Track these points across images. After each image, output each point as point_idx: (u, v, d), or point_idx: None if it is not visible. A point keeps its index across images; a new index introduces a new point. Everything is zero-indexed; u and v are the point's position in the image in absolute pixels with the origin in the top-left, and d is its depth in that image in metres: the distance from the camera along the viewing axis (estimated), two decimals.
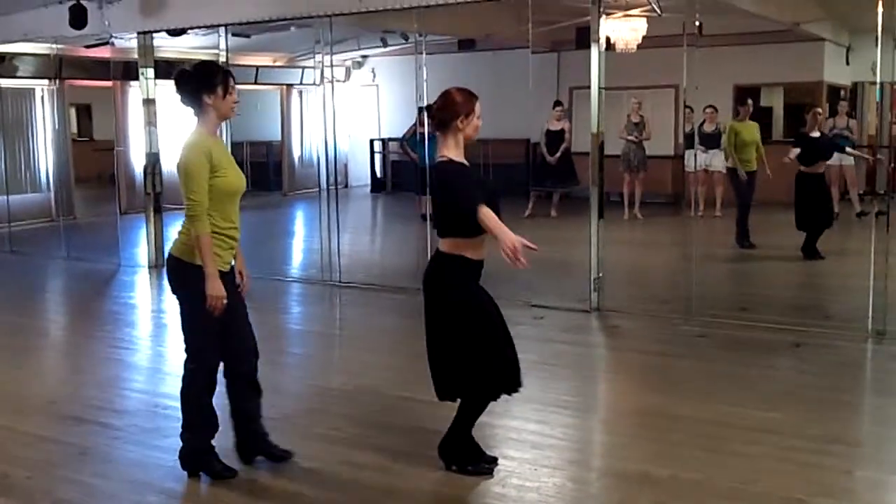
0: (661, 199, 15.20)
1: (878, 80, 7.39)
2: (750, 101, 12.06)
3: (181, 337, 4.38)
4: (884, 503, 4.10)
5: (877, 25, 7.14)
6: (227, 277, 4.31)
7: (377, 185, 19.11)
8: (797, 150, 10.32)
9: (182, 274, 4.27)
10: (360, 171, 19.33)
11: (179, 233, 4.31)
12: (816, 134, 10.45)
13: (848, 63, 16.91)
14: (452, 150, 4.23)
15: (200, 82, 4.21)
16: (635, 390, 6.02)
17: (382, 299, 8.84)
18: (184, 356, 4.39)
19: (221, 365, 4.43)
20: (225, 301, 4.18)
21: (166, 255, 4.39)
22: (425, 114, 11.11)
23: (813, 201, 10.24)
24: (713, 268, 9.68)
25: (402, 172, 17.72)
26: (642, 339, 7.20)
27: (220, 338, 4.32)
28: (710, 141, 13.55)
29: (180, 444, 4.43)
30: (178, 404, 5.55)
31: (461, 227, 4.13)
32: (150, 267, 10.74)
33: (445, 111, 4.26)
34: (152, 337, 7.93)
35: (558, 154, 14.21)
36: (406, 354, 6.85)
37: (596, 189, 8.04)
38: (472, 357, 4.18)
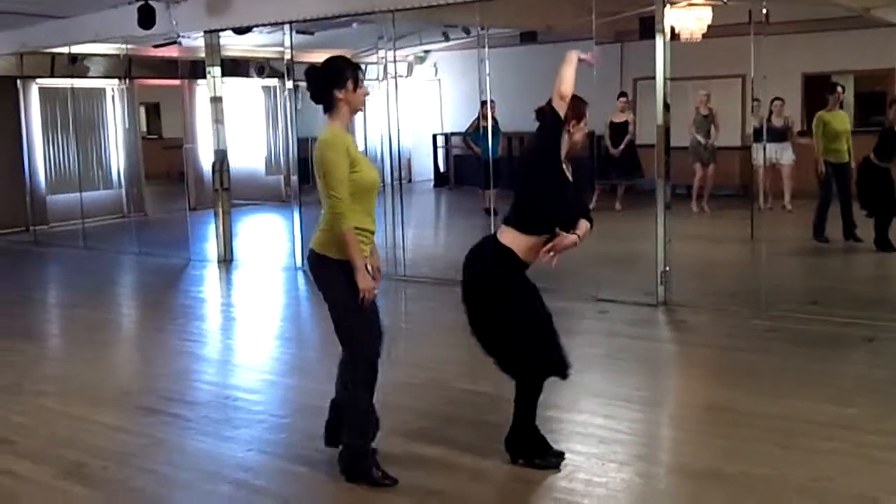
0: (728, 192, 14.97)
1: None
2: (840, 90, 11.68)
3: (336, 335, 4.32)
4: None
5: None
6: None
7: (440, 179, 19.15)
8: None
9: (323, 269, 4.26)
10: (423, 165, 19.39)
11: (319, 228, 4.29)
12: None
13: None
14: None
15: (331, 78, 4.21)
16: (703, 385, 5.95)
17: (446, 293, 8.83)
18: (340, 353, 4.35)
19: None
20: (376, 292, 4.22)
21: (307, 250, 4.38)
22: (487, 107, 11.17)
23: (878, 189, 9.99)
24: (783, 261, 9.51)
25: (465, 167, 17.72)
26: (710, 334, 7.11)
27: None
28: (778, 135, 13.25)
29: (344, 448, 4.36)
30: (248, 396, 5.71)
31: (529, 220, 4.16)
32: (219, 262, 10.94)
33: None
34: (222, 330, 8.08)
35: (622, 146, 14.08)
36: (470, 348, 6.83)
37: (662, 182, 7.95)
38: (511, 334, 4.20)
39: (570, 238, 4.20)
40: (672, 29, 10.22)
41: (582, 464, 4.42)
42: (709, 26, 12.73)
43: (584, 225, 4.31)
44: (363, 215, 4.25)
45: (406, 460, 4.52)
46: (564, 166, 4.29)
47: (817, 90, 16.54)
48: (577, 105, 4.25)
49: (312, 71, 4.28)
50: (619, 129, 14.18)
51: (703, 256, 10.47)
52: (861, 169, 10.25)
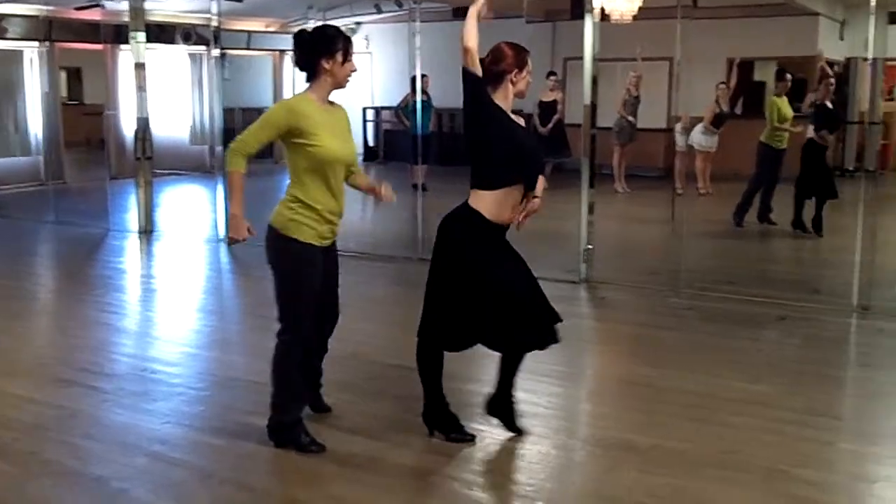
0: (653, 173, 15.22)
1: (870, 55, 7.39)
2: (789, 76, 11.92)
3: (275, 308, 4.27)
4: (865, 474, 4.15)
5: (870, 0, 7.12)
6: (327, 253, 4.29)
7: (370, 154, 19.08)
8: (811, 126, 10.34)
9: (275, 245, 4.21)
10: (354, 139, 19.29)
11: (280, 201, 4.24)
12: (830, 105, 10.37)
13: (842, 38, 16.89)
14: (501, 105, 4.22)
15: (321, 45, 4.10)
16: (622, 361, 6.06)
17: (374, 268, 8.86)
18: (276, 326, 4.28)
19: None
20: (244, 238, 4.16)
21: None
22: (419, 81, 11.15)
23: (822, 171, 10.23)
24: (703, 242, 9.72)
25: (396, 141, 17.71)
26: (630, 311, 7.25)
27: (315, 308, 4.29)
28: (721, 121, 13.46)
29: (269, 415, 4.35)
30: (166, 368, 5.64)
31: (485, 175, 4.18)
32: (140, 232, 10.73)
33: (498, 65, 4.21)
34: (141, 302, 7.95)
35: (550, 125, 14.19)
36: (397, 323, 6.90)
37: (587, 161, 8.04)
38: (474, 302, 4.15)
39: (536, 201, 4.26)
40: (602, 10, 10.28)
41: (500, 437, 4.48)
42: (640, 8, 12.87)
43: (540, 183, 4.33)
44: (323, 193, 4.15)
45: (327, 433, 4.51)
46: (512, 116, 4.24)
47: (742, 75, 16.92)
48: (518, 54, 4.24)
49: (303, 35, 4.17)
50: (547, 109, 14.29)
51: (625, 236, 10.66)
52: (806, 151, 10.37)
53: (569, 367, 5.73)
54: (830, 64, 16.48)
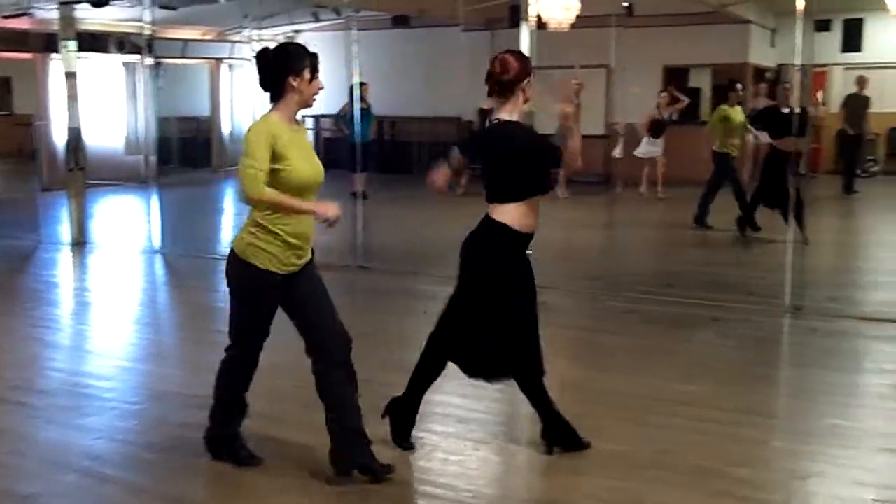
0: (591, 179, 15.35)
1: (798, 62, 7.55)
2: (739, 86, 12.04)
3: (226, 324, 4.22)
4: (798, 471, 4.21)
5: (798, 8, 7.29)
6: (301, 276, 4.08)
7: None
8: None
9: (233, 268, 4.06)
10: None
11: (244, 225, 4.03)
12: (786, 110, 10.37)
13: (773, 45, 17.27)
14: (507, 115, 4.20)
15: (287, 63, 3.87)
16: (561, 365, 6.05)
17: None
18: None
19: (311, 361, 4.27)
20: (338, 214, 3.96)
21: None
22: (358, 90, 11.06)
23: (783, 178, 10.29)
24: (642, 246, 9.84)
25: (336, 150, 17.60)
26: (570, 315, 7.29)
27: (303, 334, 4.20)
28: (661, 129, 13.62)
29: (208, 425, 4.28)
30: (99, 383, 5.52)
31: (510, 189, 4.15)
32: (72, 244, 10.50)
33: (508, 74, 4.17)
34: (74, 315, 7.77)
35: None
36: None
37: None
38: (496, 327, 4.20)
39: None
40: (540, 18, 10.36)
41: (439, 443, 4.48)
42: (577, 16, 13.00)
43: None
44: (290, 217, 3.90)
45: (264, 443, 4.45)
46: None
47: (678, 82, 17.18)
48: (524, 62, 4.23)
49: (267, 53, 3.94)
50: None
51: (567, 241, 10.72)
52: (772, 160, 10.32)
53: None
54: (763, 71, 16.89)
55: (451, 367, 5.46)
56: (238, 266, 4.03)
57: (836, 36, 18.04)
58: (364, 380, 5.36)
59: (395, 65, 16.23)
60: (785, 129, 10.12)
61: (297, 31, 18.38)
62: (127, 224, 12.66)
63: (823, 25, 17.75)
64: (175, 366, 6.08)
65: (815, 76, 17.80)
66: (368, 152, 12.50)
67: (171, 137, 17.31)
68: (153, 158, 10.51)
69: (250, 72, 10.40)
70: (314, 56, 3.96)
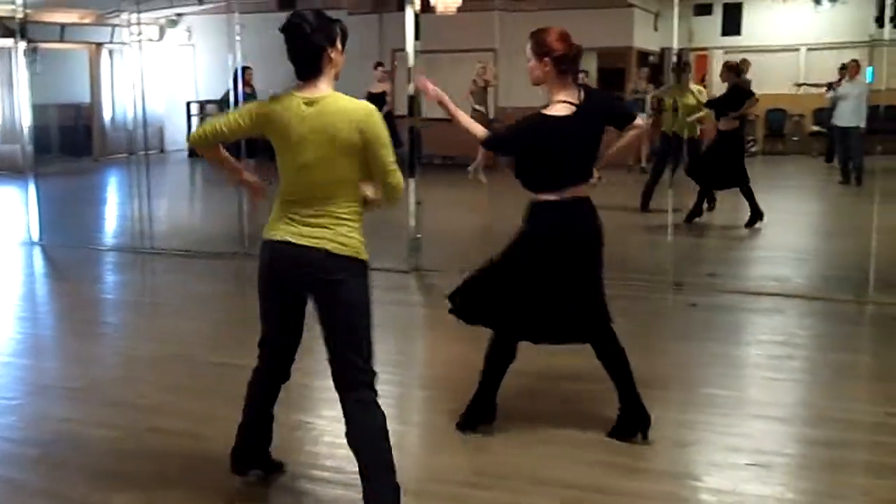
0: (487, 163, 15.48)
1: (675, 45, 7.78)
2: (689, 67, 12.07)
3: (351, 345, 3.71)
4: (677, 440, 4.34)
5: None
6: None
7: (195, 149, 18.54)
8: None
9: (358, 277, 3.53)
10: (178, 135, 18.70)
11: (334, 224, 3.43)
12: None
13: (656, 29, 17.71)
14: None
15: (327, 33, 3.38)
16: (452, 346, 6.13)
17: (198, 266, 8.63)
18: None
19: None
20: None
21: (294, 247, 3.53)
22: (241, 73, 10.82)
23: (739, 157, 10.33)
24: None
25: None
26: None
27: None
28: None
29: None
30: None
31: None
32: None
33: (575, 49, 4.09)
34: None
35: None
36: (220, 320, 6.76)
37: (410, 151, 8.12)
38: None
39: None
40: (427, 1, 10.37)
41: (326, 427, 4.47)
42: (464, 0, 13.08)
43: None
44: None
45: (145, 434, 4.37)
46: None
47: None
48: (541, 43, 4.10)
49: (302, 22, 3.36)
50: (376, 100, 14.22)
51: (457, 224, 10.80)
52: (724, 140, 10.35)
53: (399, 354, 5.77)
54: (646, 54, 17.31)
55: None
56: (363, 270, 3.51)
57: (716, 20, 18.63)
58: (248, 365, 5.31)
59: (280, 48, 15.96)
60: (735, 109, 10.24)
61: (179, 15, 17.96)
62: (4, 215, 12.16)
63: (704, 10, 18.35)
64: (55, 359, 5.90)
65: (698, 59, 18.39)
66: (255, 138, 12.31)
67: (50, 125, 16.71)
68: (30, 148, 10.09)
69: (132, 56, 10.07)
70: (342, 24, 3.51)
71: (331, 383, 5.03)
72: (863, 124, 12.42)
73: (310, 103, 3.35)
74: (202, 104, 18.32)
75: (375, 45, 16.06)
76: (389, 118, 14.42)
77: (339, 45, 3.44)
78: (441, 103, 4.26)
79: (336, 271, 3.41)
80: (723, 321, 6.52)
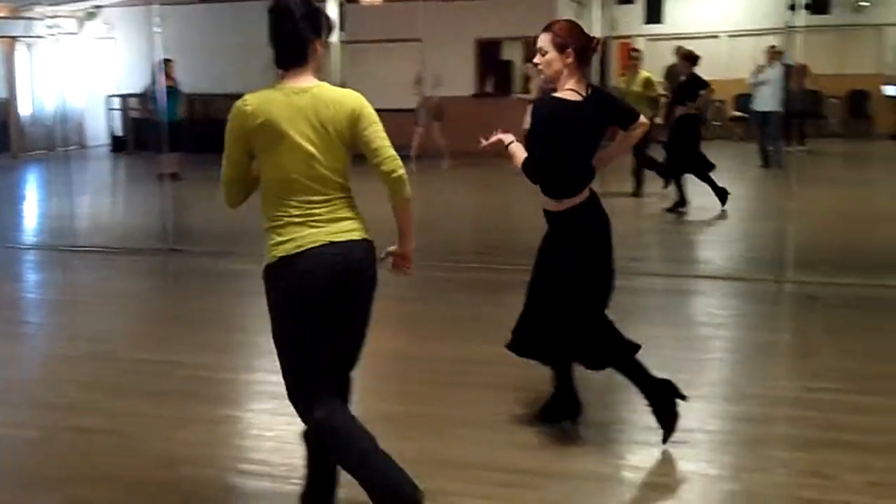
0: (405, 152, 15.47)
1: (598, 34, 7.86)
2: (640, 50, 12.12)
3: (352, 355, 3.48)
4: (608, 420, 4.39)
5: None
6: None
7: (118, 144, 18.17)
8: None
9: (373, 265, 3.33)
10: (98, 130, 18.30)
11: (347, 210, 3.25)
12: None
13: (580, 18, 17.86)
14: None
15: (316, 22, 3.16)
16: (382, 336, 6.05)
17: (122, 262, 8.47)
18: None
19: None
20: None
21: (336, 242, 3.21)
22: (157, 67, 10.61)
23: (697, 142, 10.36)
24: (462, 216, 10.02)
25: (145, 130, 16.97)
26: (389, 287, 7.23)
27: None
28: None
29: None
30: None
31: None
32: None
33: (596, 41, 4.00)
34: None
35: None
36: (143, 317, 6.66)
37: None
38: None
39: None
40: None
41: (254, 420, 4.45)
42: None
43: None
44: None
45: (66, 433, 4.28)
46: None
47: (489, 56, 17.55)
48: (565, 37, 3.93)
49: (291, 8, 3.12)
50: None
51: (388, 214, 10.77)
52: (684, 125, 10.32)
53: None
54: None
55: (266, 346, 5.47)
56: (374, 258, 3.30)
57: (639, 8, 18.86)
58: (175, 361, 5.30)
59: (204, 41, 15.75)
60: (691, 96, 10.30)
61: (97, 7, 17.53)
62: None
63: None
64: None
65: (623, 48, 18.60)
66: (179, 132, 12.11)
67: None
68: None
69: (49, 50, 9.81)
70: (328, 15, 3.32)
71: (258, 376, 5.06)
72: (781, 109, 12.71)
73: (301, 92, 3.11)
74: (124, 97, 17.94)
75: None
76: None
77: (323, 38, 3.21)
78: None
79: (373, 263, 3.26)
80: (646, 304, 6.62)
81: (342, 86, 7.88)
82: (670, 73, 15.65)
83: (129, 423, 4.42)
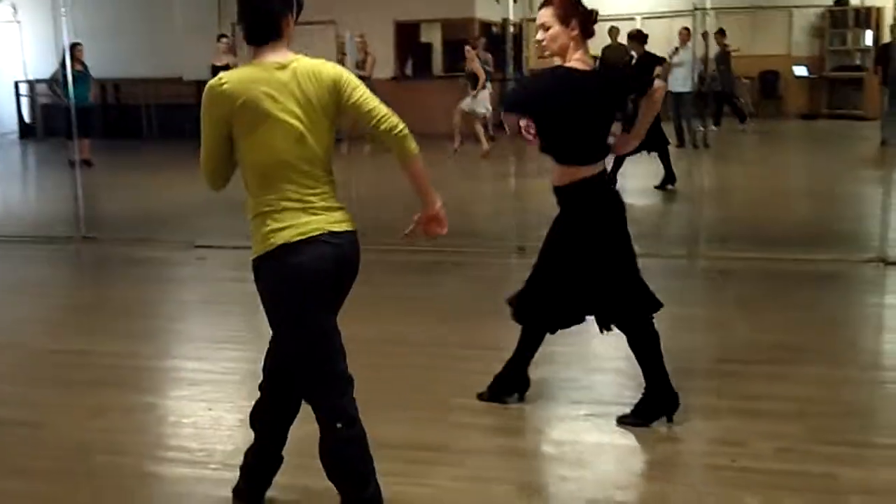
0: (339, 136, 15.37)
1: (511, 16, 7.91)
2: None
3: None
4: (529, 396, 4.39)
5: None
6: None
7: (26, 130, 17.63)
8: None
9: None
10: (6, 116, 17.74)
11: (335, 199, 3.06)
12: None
13: (498, 1, 17.94)
14: None
15: None
16: None
17: (34, 251, 8.26)
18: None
19: None
20: None
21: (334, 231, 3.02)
22: (71, 50, 10.30)
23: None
24: (395, 198, 9.93)
25: (55, 116, 16.52)
26: None
27: None
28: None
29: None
30: None
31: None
32: None
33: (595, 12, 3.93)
34: None
35: None
36: (56, 306, 6.51)
37: None
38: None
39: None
40: None
41: (172, 407, 4.41)
42: None
43: None
44: None
45: None
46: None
47: (408, 39, 17.50)
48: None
49: None
50: (219, 73, 13.87)
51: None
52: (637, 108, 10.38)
53: (246, 332, 5.67)
54: (489, 25, 17.52)
55: (184, 332, 5.39)
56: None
57: None
58: (89, 350, 5.19)
59: (113, 24, 15.38)
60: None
61: None
62: None
63: None
64: None
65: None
66: (89, 118, 11.81)
67: None
68: None
69: None
70: None
71: (175, 363, 5.00)
72: (691, 89, 12.98)
73: (282, 67, 2.91)
74: (31, 83, 17.41)
75: (214, 17, 15.63)
76: None
77: (294, 13, 3.00)
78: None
79: (359, 257, 3.11)
80: None
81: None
82: (605, 53, 15.89)
83: (42, 413, 4.33)
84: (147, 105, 16.63)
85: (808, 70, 18.63)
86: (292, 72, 2.90)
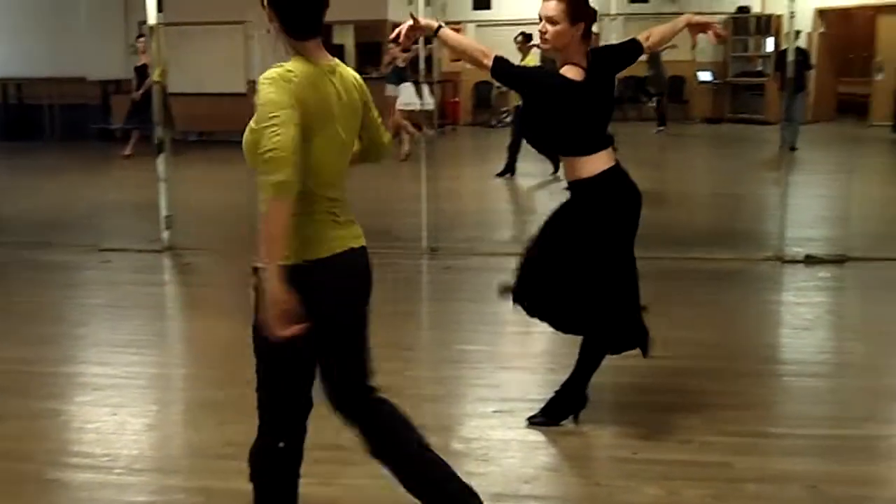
0: (234, 138, 15.19)
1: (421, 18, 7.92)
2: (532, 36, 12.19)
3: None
4: (428, 395, 4.50)
5: None
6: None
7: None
8: None
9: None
10: None
11: (347, 218, 2.85)
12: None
13: (410, 3, 17.97)
14: None
15: None
16: (204, 324, 6.02)
17: None
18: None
19: None
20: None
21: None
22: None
23: None
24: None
25: None
26: (214, 275, 7.23)
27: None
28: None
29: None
30: None
31: None
32: None
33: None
34: None
35: (142, 90, 13.36)
36: None
37: (160, 128, 7.88)
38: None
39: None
40: None
41: (76, 413, 4.35)
42: None
43: None
44: None
45: None
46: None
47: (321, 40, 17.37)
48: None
49: None
50: (140, 73, 13.55)
51: (213, 202, 10.54)
52: None
53: (149, 335, 5.62)
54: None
55: (88, 337, 5.29)
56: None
57: None
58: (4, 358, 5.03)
59: (15, 21, 14.93)
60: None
61: None
62: None
63: None
64: None
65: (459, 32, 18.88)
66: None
67: None
68: None
69: None
70: None
71: (79, 368, 4.90)
72: None
73: (331, 71, 2.66)
74: None
75: (121, 18, 15.31)
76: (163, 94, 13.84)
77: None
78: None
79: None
80: (475, 282, 6.79)
81: (163, 72, 7.68)
82: (544, 59, 15.97)
83: None
84: (50, 105, 16.17)
85: (713, 75, 19.17)
86: (339, 76, 2.68)
